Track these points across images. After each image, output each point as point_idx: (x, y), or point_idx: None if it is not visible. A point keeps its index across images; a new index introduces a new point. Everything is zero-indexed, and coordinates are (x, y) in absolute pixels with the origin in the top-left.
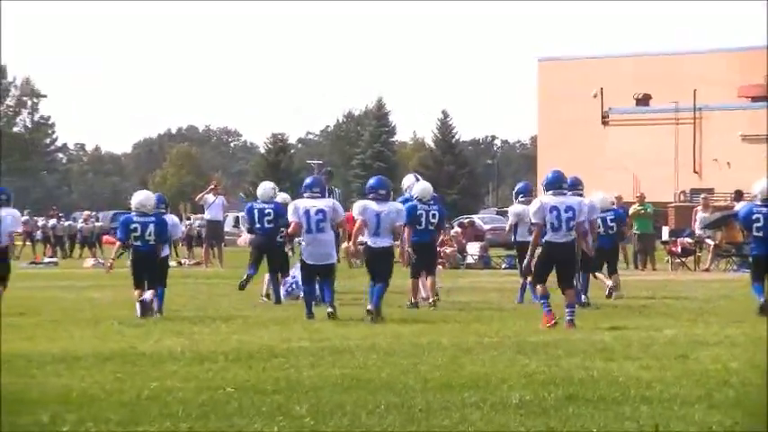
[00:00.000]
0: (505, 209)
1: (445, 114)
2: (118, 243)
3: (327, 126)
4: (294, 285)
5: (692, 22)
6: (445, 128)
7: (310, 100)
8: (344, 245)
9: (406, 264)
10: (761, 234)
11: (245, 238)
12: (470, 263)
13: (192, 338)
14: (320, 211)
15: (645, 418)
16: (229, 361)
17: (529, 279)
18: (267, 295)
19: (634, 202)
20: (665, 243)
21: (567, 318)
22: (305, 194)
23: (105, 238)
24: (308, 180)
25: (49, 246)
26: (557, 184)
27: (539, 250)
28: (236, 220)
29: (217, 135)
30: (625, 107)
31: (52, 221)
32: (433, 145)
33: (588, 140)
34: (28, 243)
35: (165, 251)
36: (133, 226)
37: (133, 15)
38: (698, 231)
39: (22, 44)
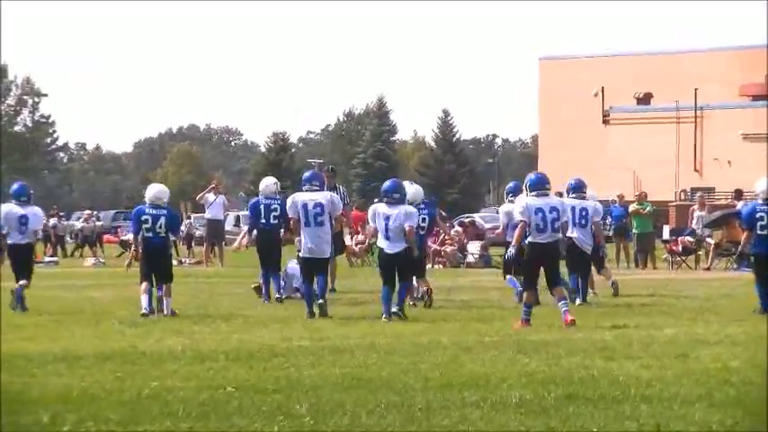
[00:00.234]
0: None
1: (446, 113)
2: (133, 236)
3: (328, 125)
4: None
5: (693, 22)
6: (446, 127)
7: (311, 99)
8: (347, 241)
9: None
10: (765, 233)
11: (240, 241)
12: (471, 262)
13: (193, 338)
14: (318, 204)
15: (645, 418)
16: (230, 360)
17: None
18: (259, 288)
19: (635, 201)
20: (665, 242)
21: (563, 310)
22: (304, 188)
23: (106, 237)
24: (307, 174)
25: (49, 245)
26: (540, 185)
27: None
28: (237, 219)
29: (218, 134)
30: (626, 106)
31: (53, 221)
32: (433, 144)
33: (589, 139)
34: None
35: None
36: (144, 217)
37: (133, 15)
38: (696, 230)
39: (23, 44)
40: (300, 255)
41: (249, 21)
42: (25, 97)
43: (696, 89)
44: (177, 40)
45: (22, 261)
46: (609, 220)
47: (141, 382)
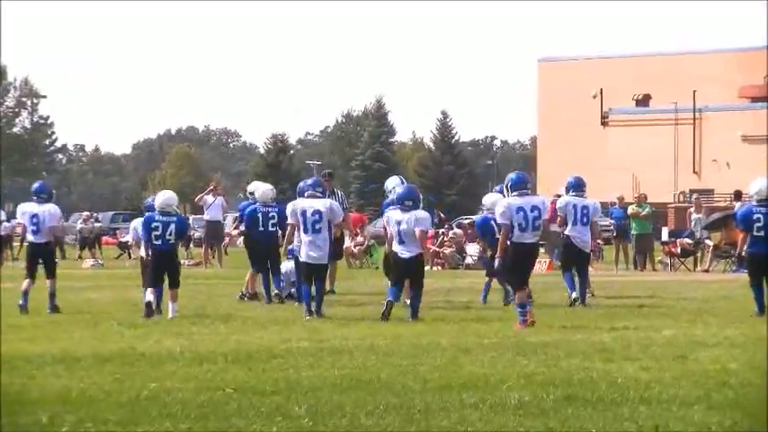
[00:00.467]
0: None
1: (445, 115)
2: (143, 244)
3: (327, 126)
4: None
5: (692, 23)
6: (445, 128)
7: (310, 100)
8: (347, 242)
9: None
10: (762, 234)
11: (232, 237)
12: (470, 263)
13: (192, 339)
14: (317, 211)
15: (644, 419)
16: (228, 361)
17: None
18: (252, 294)
19: (635, 203)
20: (664, 244)
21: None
22: (306, 193)
23: (105, 239)
24: (309, 180)
25: None
26: (521, 184)
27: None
28: (236, 220)
29: (216, 135)
30: (625, 108)
31: None
32: (432, 145)
33: (588, 141)
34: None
35: None
36: (154, 225)
37: (133, 15)
38: (695, 232)
39: (22, 44)
40: (300, 259)
41: (248, 21)
42: (24, 99)
43: (695, 91)
44: (176, 42)
45: (42, 261)
46: (610, 221)
47: (140, 384)
